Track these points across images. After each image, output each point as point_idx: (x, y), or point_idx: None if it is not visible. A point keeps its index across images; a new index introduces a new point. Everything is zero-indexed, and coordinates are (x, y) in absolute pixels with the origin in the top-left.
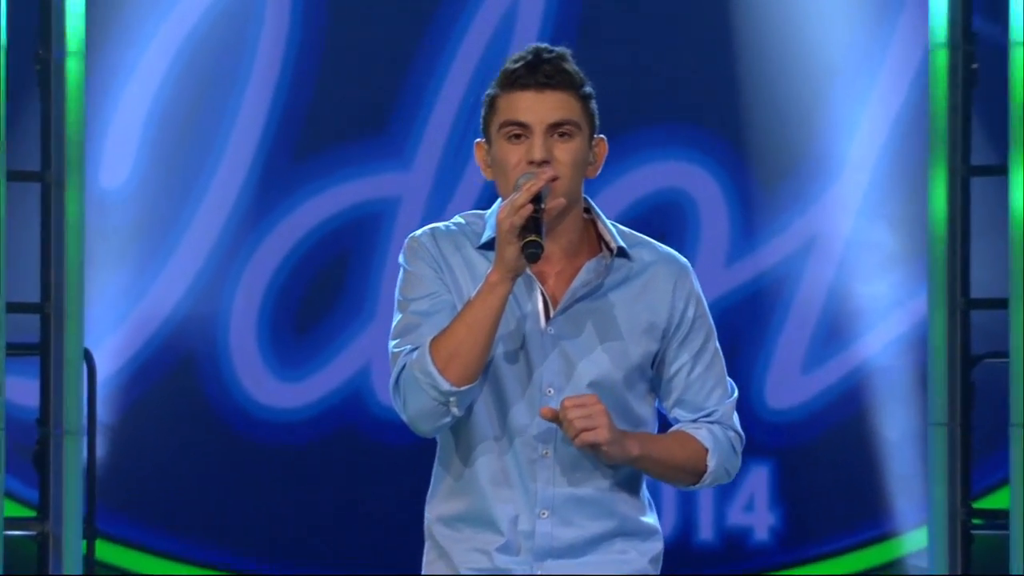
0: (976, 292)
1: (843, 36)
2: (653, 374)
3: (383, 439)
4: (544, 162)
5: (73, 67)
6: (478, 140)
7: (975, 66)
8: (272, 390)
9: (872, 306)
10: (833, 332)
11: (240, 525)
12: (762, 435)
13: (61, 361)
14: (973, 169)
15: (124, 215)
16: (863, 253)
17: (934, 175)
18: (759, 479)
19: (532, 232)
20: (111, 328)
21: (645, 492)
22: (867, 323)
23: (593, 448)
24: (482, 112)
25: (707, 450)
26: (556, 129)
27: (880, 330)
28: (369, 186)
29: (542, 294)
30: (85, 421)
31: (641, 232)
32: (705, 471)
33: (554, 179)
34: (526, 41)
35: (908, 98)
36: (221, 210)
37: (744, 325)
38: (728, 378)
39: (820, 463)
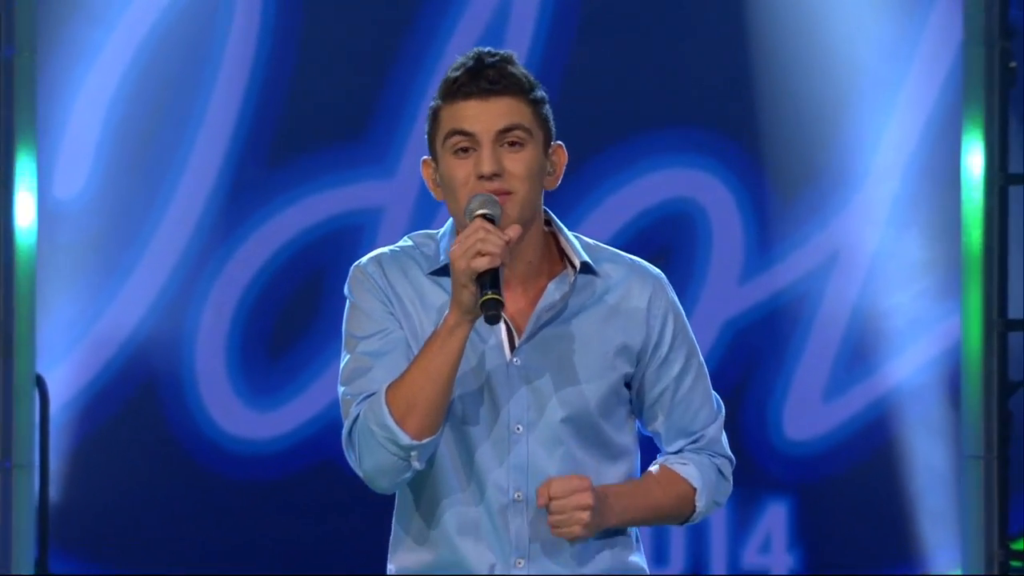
0: (1014, 312)
1: (869, 32)
2: (633, 396)
3: None
4: (494, 175)
5: (23, 65)
6: (424, 158)
7: (1013, 64)
8: (242, 419)
9: (900, 328)
10: (857, 356)
11: (206, 566)
12: (780, 469)
13: (10, 388)
14: (1011, 177)
15: (80, 227)
16: (890, 269)
17: (968, 184)
18: (776, 517)
19: (491, 284)
20: (65, 352)
21: (631, 528)
22: (895, 346)
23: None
24: (426, 127)
25: (695, 490)
26: (505, 137)
27: (909, 354)
28: (349, 195)
29: (504, 322)
30: (37, 454)
31: (649, 245)
32: (693, 511)
33: (505, 193)
34: (520, 38)
35: (940, 100)
36: (186, 222)
37: (760, 349)
38: (713, 393)
39: (843, 499)
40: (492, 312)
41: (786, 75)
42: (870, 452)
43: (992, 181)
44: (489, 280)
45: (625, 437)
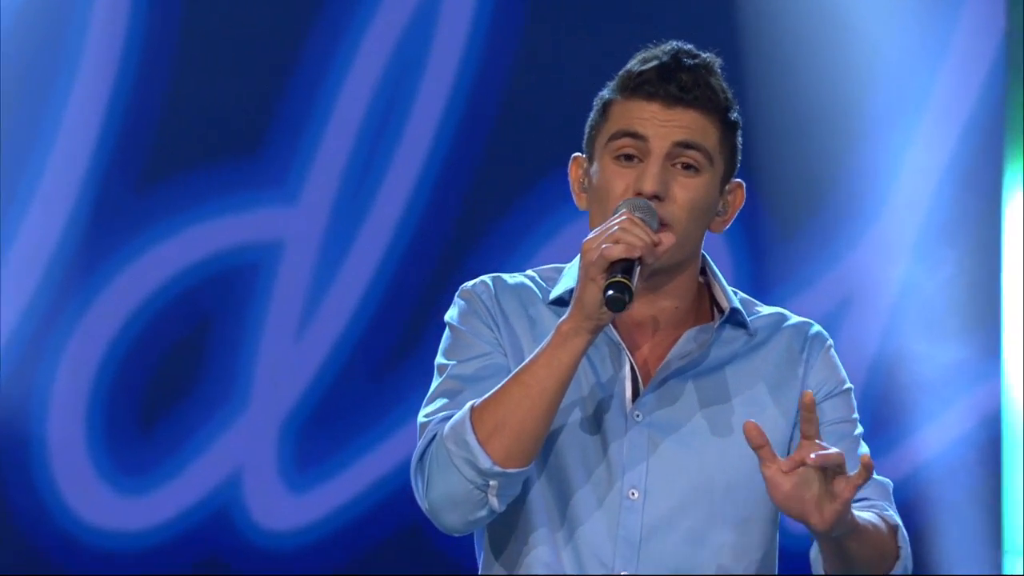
0: None
1: (889, 27)
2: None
3: (260, 573)
4: (655, 197)
5: None
6: (577, 155)
7: None
8: (107, 506)
9: (929, 391)
10: (875, 427)
11: None
12: (782, 565)
13: None
14: None
15: None
16: (916, 317)
17: (1013, 210)
18: None
19: (621, 271)
20: None
21: None
22: (922, 415)
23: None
24: (590, 118)
25: (895, 527)
26: (680, 155)
27: (940, 425)
28: (240, 227)
29: (631, 366)
30: None
31: None
32: (897, 556)
33: (661, 224)
34: (453, 36)
35: (978, 107)
36: (36, 260)
37: None
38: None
39: None
40: (617, 296)
41: (785, 79)
42: None
43: None
44: (620, 271)
45: (767, 512)
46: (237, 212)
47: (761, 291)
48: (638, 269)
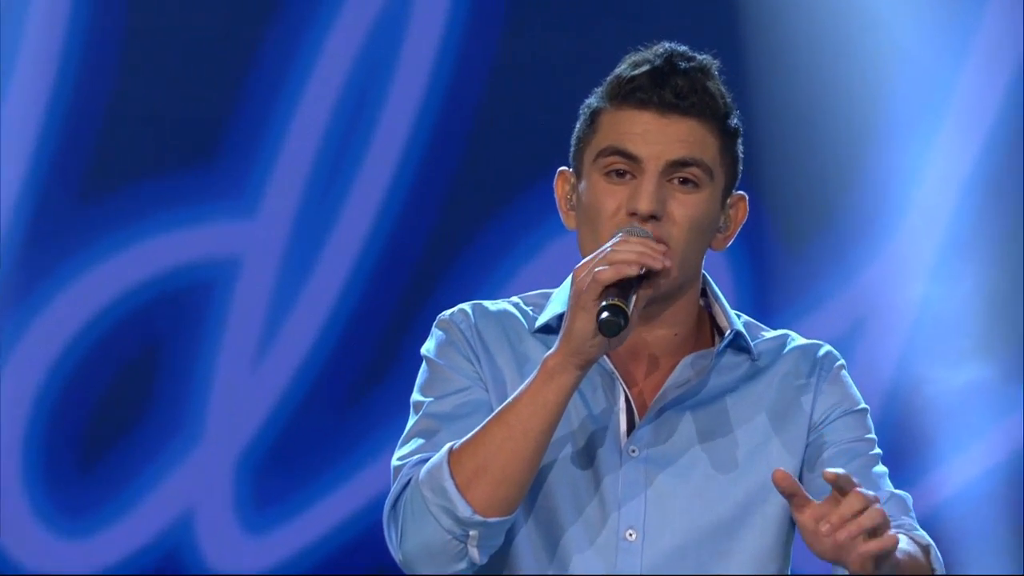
0: None
1: (906, 25)
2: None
3: None
4: (651, 217)
5: None
6: (563, 169)
7: None
8: (45, 550)
9: (952, 422)
10: (892, 460)
11: None
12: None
13: None
14: None
15: None
16: (935, 341)
17: None
18: None
19: (616, 295)
20: None
21: None
22: (944, 448)
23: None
24: (576, 128)
25: (928, 546)
26: (677, 172)
27: (964, 459)
28: (193, 241)
29: (626, 397)
30: None
31: None
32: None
33: (659, 243)
34: (427, 33)
35: (1002, 112)
36: None
37: None
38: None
39: None
40: (611, 319)
41: (791, 81)
42: None
43: None
44: (616, 293)
45: (775, 547)
46: (190, 225)
47: (766, 313)
48: (635, 296)
